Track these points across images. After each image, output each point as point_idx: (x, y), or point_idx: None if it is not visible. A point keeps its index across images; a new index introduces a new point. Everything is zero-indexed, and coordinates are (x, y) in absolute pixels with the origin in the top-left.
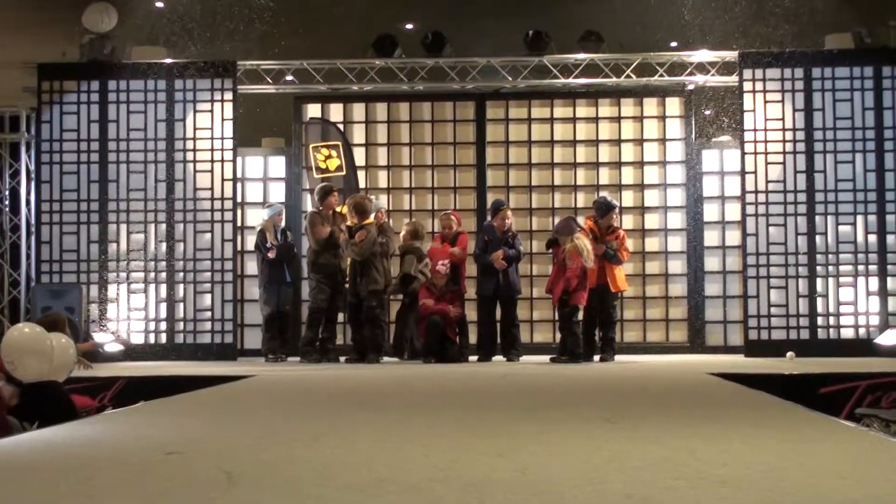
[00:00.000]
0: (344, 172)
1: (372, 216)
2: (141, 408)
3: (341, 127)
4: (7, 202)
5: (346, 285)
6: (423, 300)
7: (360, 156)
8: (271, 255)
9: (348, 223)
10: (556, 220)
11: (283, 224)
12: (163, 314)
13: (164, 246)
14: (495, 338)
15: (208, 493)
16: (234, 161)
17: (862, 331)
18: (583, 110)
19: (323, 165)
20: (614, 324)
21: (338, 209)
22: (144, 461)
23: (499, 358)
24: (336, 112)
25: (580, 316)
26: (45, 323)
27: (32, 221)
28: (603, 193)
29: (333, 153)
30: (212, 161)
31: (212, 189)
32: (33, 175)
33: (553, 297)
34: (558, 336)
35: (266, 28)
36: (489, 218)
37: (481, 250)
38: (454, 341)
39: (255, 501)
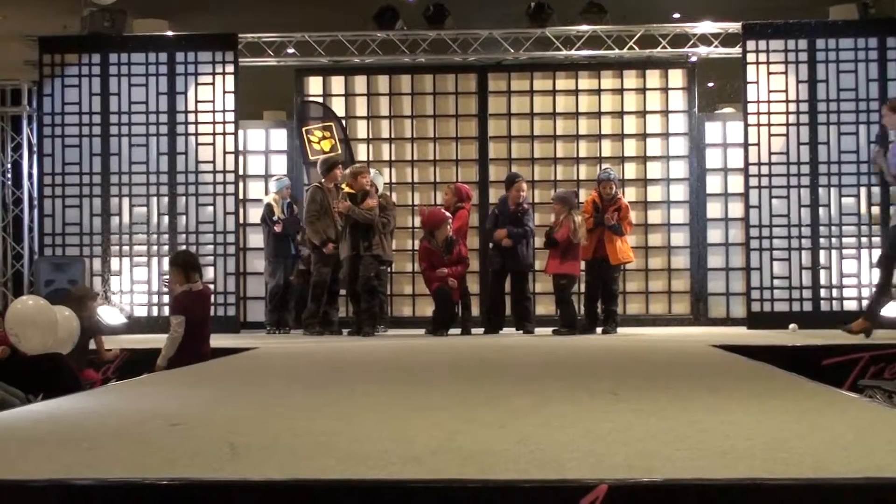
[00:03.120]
0: (339, 152)
1: (369, 185)
2: (144, 380)
3: (335, 104)
4: (9, 175)
5: (336, 249)
6: (437, 270)
7: (362, 129)
8: (277, 228)
9: (347, 190)
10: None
11: (288, 198)
12: (165, 287)
13: (166, 219)
14: (502, 311)
15: (212, 464)
16: (235, 134)
17: (865, 303)
18: (585, 82)
19: (318, 147)
20: (616, 296)
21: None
22: (148, 432)
23: (508, 331)
24: (338, 84)
25: (580, 287)
26: (72, 298)
27: (35, 195)
28: (605, 165)
29: (327, 133)
30: (213, 134)
31: (214, 162)
32: (35, 148)
33: (546, 267)
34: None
35: (267, 0)
36: (505, 191)
37: (492, 224)
38: (458, 302)
39: (258, 472)
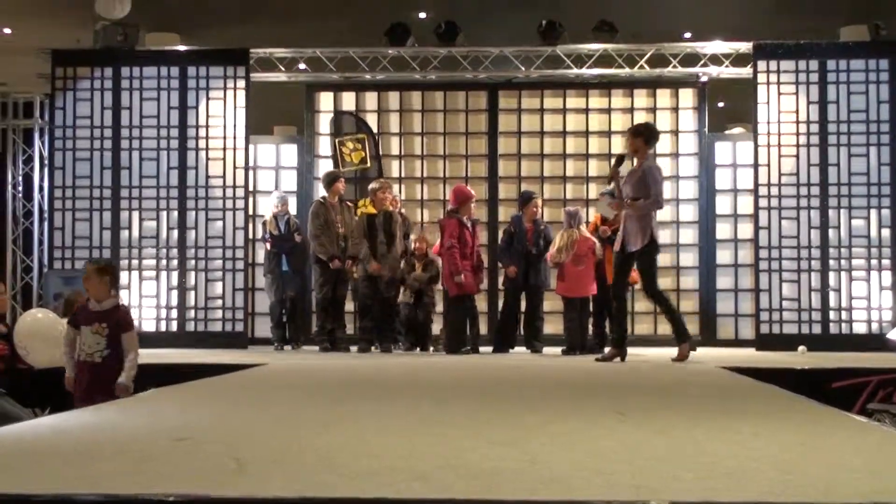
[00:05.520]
0: (368, 165)
1: (390, 203)
2: (150, 395)
3: (368, 118)
4: (20, 188)
5: (348, 263)
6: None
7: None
8: (267, 245)
9: (369, 210)
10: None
11: (287, 213)
12: (174, 302)
13: (175, 233)
14: (516, 330)
15: (217, 480)
16: (246, 149)
17: (874, 325)
18: (595, 101)
19: (348, 159)
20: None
21: (360, 205)
22: (153, 447)
23: (515, 349)
24: (348, 101)
25: (590, 308)
26: (68, 302)
27: (45, 207)
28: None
29: (358, 146)
30: (224, 149)
31: (224, 177)
32: (46, 161)
33: (557, 287)
34: None
35: (279, 16)
36: (518, 209)
37: (506, 244)
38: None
39: (264, 488)
